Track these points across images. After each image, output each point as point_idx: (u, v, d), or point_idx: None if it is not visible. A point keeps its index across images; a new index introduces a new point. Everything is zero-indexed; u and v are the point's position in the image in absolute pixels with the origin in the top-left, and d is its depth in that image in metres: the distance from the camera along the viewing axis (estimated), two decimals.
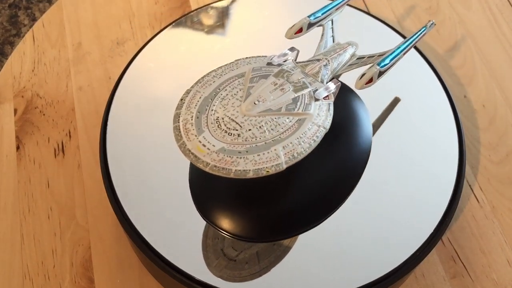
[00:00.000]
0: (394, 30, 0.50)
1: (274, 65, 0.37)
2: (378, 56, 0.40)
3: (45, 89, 0.54)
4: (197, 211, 0.40)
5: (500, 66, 0.55)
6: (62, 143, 0.51)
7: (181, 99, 0.35)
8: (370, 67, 0.38)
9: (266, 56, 0.38)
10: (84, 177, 0.49)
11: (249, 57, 0.38)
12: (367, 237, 0.40)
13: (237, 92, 0.35)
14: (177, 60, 0.48)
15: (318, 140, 0.35)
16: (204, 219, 0.39)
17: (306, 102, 0.36)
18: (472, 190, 0.48)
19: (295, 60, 0.39)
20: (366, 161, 0.41)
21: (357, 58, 0.41)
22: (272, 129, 0.34)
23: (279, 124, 0.34)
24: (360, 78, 0.38)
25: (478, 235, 0.46)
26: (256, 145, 0.33)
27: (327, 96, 0.37)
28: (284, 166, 0.33)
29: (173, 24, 0.50)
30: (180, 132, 0.34)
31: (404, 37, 0.49)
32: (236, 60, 0.38)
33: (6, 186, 0.49)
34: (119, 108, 0.45)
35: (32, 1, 0.64)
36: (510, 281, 0.44)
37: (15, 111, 0.52)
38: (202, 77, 0.36)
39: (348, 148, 0.42)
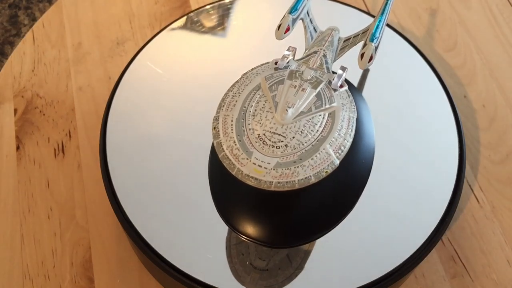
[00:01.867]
0: (394, 30, 0.50)
1: (281, 68, 0.37)
2: (362, 33, 0.40)
3: (45, 89, 0.54)
4: (197, 212, 0.40)
5: (500, 66, 0.55)
6: (62, 143, 0.51)
7: (214, 128, 0.34)
8: (366, 46, 0.38)
9: (268, 62, 0.38)
10: (84, 177, 0.49)
11: (254, 68, 0.38)
12: (367, 237, 0.40)
13: (264, 104, 0.35)
14: (177, 60, 0.48)
15: (354, 128, 0.35)
16: (228, 226, 0.39)
17: (327, 95, 0.36)
18: (472, 190, 0.48)
19: (294, 58, 0.39)
20: (371, 164, 0.42)
21: (344, 41, 0.41)
22: (311, 130, 0.34)
23: (315, 124, 0.34)
24: (362, 59, 0.38)
25: (478, 235, 0.46)
26: (305, 150, 0.33)
27: (341, 84, 0.37)
28: (338, 162, 0.34)
29: (173, 24, 0.50)
30: (230, 160, 0.33)
31: (404, 37, 0.49)
32: (243, 74, 0.37)
33: (6, 186, 0.49)
34: (119, 108, 0.45)
35: (32, 1, 0.64)
36: (510, 281, 0.44)
37: (15, 111, 0.52)
38: (222, 100, 0.36)
39: (355, 152, 0.42)
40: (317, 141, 0.34)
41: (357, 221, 0.40)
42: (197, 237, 0.39)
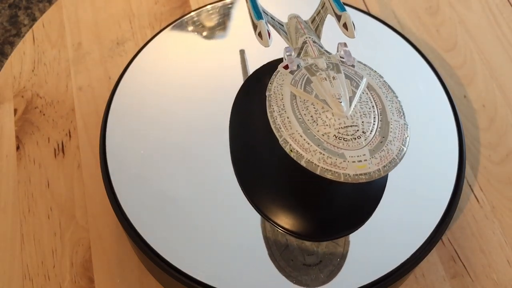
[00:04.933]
0: (394, 30, 0.50)
1: (295, 70, 0.37)
2: (322, 9, 0.41)
3: (45, 89, 0.54)
4: (197, 211, 0.40)
5: (500, 66, 0.55)
6: (62, 143, 0.51)
7: (291, 151, 0.33)
8: (342, 17, 0.38)
9: (278, 71, 0.37)
10: (84, 177, 0.49)
11: (271, 82, 0.37)
12: (367, 237, 0.40)
13: (315, 107, 0.34)
14: (177, 60, 0.48)
15: (391, 88, 0.36)
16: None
17: (352, 73, 0.36)
18: (472, 190, 0.48)
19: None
20: None
21: (312, 22, 0.42)
22: (369, 108, 0.34)
23: (367, 102, 0.35)
24: (347, 29, 0.38)
25: (478, 235, 0.46)
26: (380, 128, 0.34)
27: (353, 58, 0.37)
28: (409, 125, 0.34)
29: (173, 24, 0.50)
30: (331, 170, 0.32)
31: (404, 37, 0.49)
32: (268, 91, 0.36)
33: (6, 186, 0.49)
34: (119, 108, 0.45)
35: (32, 1, 0.64)
36: (510, 281, 0.44)
37: (15, 111, 0.52)
38: (273, 123, 0.34)
39: None
40: (380, 115, 0.34)
41: None
42: (197, 237, 0.39)
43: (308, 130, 0.33)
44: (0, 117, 0.52)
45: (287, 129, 0.34)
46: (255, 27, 0.39)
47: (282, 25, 0.42)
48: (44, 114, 0.52)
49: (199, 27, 0.50)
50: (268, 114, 0.35)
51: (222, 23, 0.50)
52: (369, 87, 0.36)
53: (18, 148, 0.50)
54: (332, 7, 0.39)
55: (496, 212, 0.47)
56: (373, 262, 0.39)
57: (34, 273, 0.45)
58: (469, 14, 0.58)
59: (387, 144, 0.33)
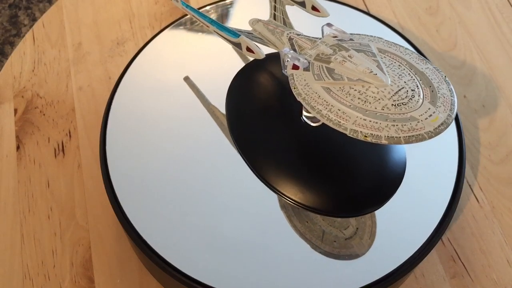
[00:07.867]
0: (394, 30, 0.50)
1: (308, 65, 0.36)
2: (277, 3, 0.42)
3: (45, 89, 0.54)
4: (197, 211, 0.40)
5: (500, 66, 0.55)
6: (62, 143, 0.51)
7: (365, 136, 0.33)
8: (308, 1, 0.39)
9: (292, 75, 0.37)
10: (84, 177, 0.49)
11: (294, 86, 0.36)
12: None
13: (355, 89, 0.34)
14: (177, 60, 0.48)
15: (397, 44, 0.38)
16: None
17: (357, 45, 0.36)
18: (472, 190, 0.48)
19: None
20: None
21: (275, 19, 0.42)
22: (399, 68, 0.35)
23: (392, 64, 0.35)
24: (319, 10, 0.39)
25: (478, 235, 0.46)
26: (420, 80, 0.35)
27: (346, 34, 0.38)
28: (437, 67, 0.36)
29: (173, 24, 0.50)
30: (412, 134, 0.33)
31: (404, 37, 0.49)
32: (299, 97, 0.35)
33: (6, 186, 0.49)
34: (119, 108, 0.45)
35: (32, 1, 0.64)
36: (510, 281, 0.44)
37: (15, 111, 0.52)
38: (330, 120, 0.34)
39: None
40: (411, 69, 0.35)
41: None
42: (197, 237, 0.39)
43: (366, 111, 0.33)
44: (0, 117, 0.52)
45: (347, 120, 0.33)
46: (238, 45, 0.39)
47: (251, 33, 0.42)
48: (44, 114, 0.52)
49: (199, 27, 0.50)
50: (318, 116, 0.34)
51: (222, 23, 0.50)
52: (380, 50, 0.36)
53: (18, 148, 0.50)
54: None
55: (496, 212, 0.47)
56: (373, 262, 0.39)
57: (34, 273, 0.45)
58: (469, 14, 0.58)
59: (438, 91, 0.34)
